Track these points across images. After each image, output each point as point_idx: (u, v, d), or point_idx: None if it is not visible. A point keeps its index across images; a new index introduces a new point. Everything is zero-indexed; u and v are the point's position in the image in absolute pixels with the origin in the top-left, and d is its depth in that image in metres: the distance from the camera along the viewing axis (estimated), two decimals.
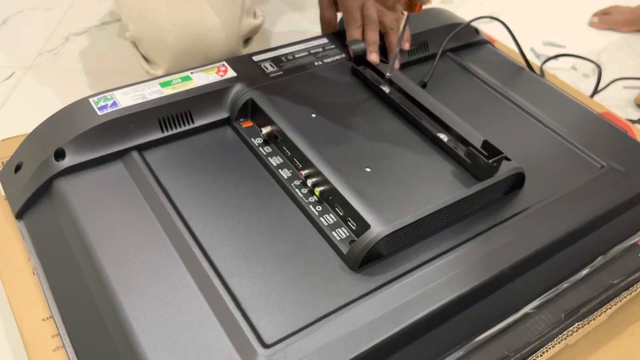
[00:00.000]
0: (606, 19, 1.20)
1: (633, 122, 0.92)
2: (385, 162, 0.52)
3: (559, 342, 0.49)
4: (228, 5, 0.69)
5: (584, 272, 0.53)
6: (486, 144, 0.52)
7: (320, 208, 0.50)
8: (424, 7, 0.59)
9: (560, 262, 0.52)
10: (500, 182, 0.52)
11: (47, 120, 0.55)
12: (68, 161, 0.51)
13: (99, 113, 0.54)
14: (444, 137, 0.55)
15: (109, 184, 0.51)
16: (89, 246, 0.46)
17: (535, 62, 1.10)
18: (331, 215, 0.50)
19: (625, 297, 0.53)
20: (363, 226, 0.47)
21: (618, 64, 1.11)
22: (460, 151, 0.53)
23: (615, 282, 0.54)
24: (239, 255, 0.47)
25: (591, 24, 1.21)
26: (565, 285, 0.52)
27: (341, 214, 0.49)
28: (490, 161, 0.50)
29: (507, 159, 0.53)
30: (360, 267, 0.46)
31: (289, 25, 1.12)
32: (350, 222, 0.49)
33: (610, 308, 0.53)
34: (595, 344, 0.53)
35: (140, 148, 0.54)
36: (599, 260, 0.54)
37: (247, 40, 0.76)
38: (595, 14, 1.22)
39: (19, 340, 0.50)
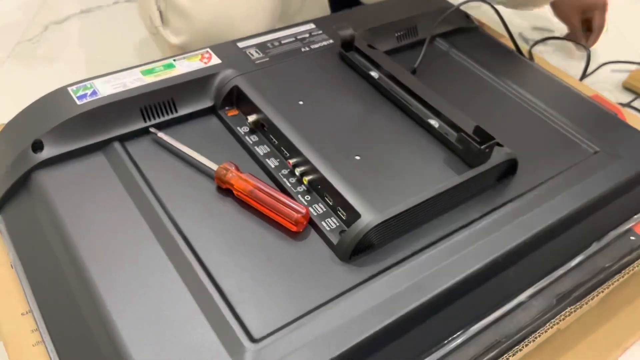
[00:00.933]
0: None
1: (623, 105, 0.91)
2: (375, 150, 0.51)
3: (551, 327, 0.48)
4: (271, 8, 0.69)
5: (578, 258, 0.53)
6: (478, 130, 0.51)
7: (309, 197, 0.49)
8: None
9: (554, 249, 0.51)
10: (493, 169, 0.50)
11: (23, 110, 0.53)
12: (46, 153, 0.50)
13: (78, 102, 0.52)
14: (434, 123, 0.54)
15: (90, 176, 0.50)
16: (69, 240, 0.45)
17: (524, 46, 1.09)
18: (320, 204, 0.49)
19: (617, 280, 0.53)
20: (353, 215, 0.46)
21: (607, 47, 1.10)
22: (452, 137, 0.52)
23: (607, 265, 0.53)
24: (225, 247, 0.45)
25: None
26: (559, 272, 0.51)
27: (331, 203, 0.48)
28: (482, 147, 0.49)
29: (500, 144, 0.52)
30: (350, 257, 0.45)
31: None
32: (340, 211, 0.47)
33: (602, 292, 0.52)
34: (588, 328, 0.53)
35: (122, 138, 0.53)
36: (594, 246, 0.54)
37: None
38: None
39: None
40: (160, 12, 0.66)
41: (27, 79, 0.93)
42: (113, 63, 0.97)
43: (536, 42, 0.94)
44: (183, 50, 0.66)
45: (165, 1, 0.65)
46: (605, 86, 1.01)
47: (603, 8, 1.01)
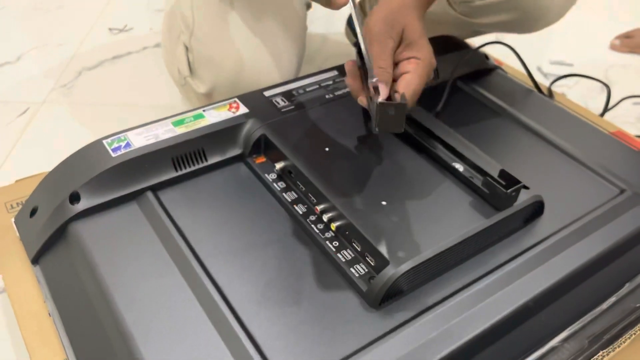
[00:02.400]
0: (628, 42, 1.19)
1: None
2: (401, 195, 0.51)
3: None
4: (296, 56, 0.70)
5: (611, 299, 0.52)
6: (503, 173, 0.51)
7: (337, 244, 0.50)
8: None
9: (584, 291, 0.51)
10: (520, 212, 0.51)
11: (61, 163, 0.55)
12: (83, 204, 0.51)
13: (113, 155, 0.54)
14: (459, 166, 0.55)
15: (124, 225, 0.51)
16: (105, 290, 0.46)
17: (544, 82, 1.10)
18: (349, 250, 0.49)
19: None
20: (382, 262, 0.46)
21: (626, 82, 1.11)
22: (477, 181, 0.53)
23: (638, 305, 0.53)
24: (256, 295, 0.46)
25: (612, 47, 1.20)
26: (591, 315, 0.51)
27: (359, 249, 0.49)
28: (508, 191, 0.49)
29: (526, 187, 0.52)
30: (380, 304, 0.45)
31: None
32: (368, 257, 0.48)
33: (634, 334, 0.52)
34: None
35: (155, 188, 0.54)
36: (626, 287, 0.53)
37: None
38: (617, 37, 1.21)
39: None
40: (189, 63, 0.69)
41: (61, 124, 0.97)
42: (145, 107, 1.00)
43: (556, 79, 0.95)
44: (210, 99, 0.69)
45: (193, 52, 0.68)
46: (627, 119, 1.01)
47: None
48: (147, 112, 0.99)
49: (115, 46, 1.20)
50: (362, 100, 0.54)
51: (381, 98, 0.50)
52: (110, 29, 1.25)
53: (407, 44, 0.56)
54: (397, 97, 0.52)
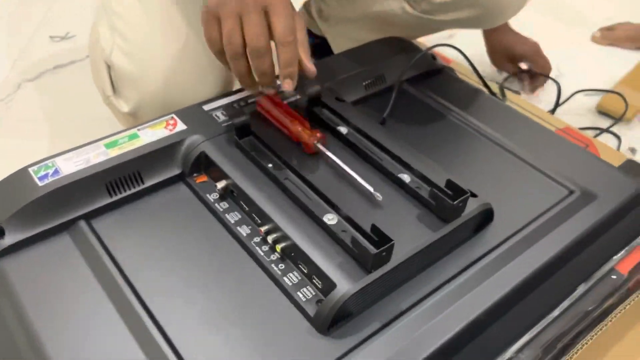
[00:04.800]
0: (608, 35, 1.20)
1: (602, 131, 0.91)
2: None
3: None
4: (223, 76, 0.68)
5: (564, 304, 0.52)
6: (450, 184, 0.50)
7: (283, 266, 0.48)
8: None
9: (538, 298, 0.50)
10: (468, 222, 0.50)
11: None
12: (8, 240, 0.48)
13: (40, 184, 0.50)
14: (406, 177, 0.53)
15: (55, 261, 0.48)
16: (34, 336, 0.43)
17: (497, 77, 1.10)
18: (295, 273, 0.47)
19: (600, 328, 0.52)
20: (329, 284, 0.44)
21: (578, 73, 1.12)
22: (424, 192, 0.51)
23: (590, 308, 0.52)
24: (200, 329, 0.43)
25: (593, 39, 1.21)
26: (545, 321, 0.50)
27: (305, 271, 0.47)
28: (455, 202, 0.48)
29: (474, 195, 0.51)
30: (329, 329, 0.44)
31: None
32: (315, 280, 0.46)
33: (587, 343, 0.51)
34: None
35: (88, 216, 0.51)
36: (580, 290, 0.52)
37: None
38: (600, 29, 1.22)
39: None
40: (112, 82, 0.66)
41: (2, 141, 0.92)
42: (89, 119, 0.96)
43: (506, 78, 0.95)
44: (135, 118, 0.66)
45: (114, 70, 0.65)
46: (580, 112, 1.01)
47: (535, 55, 1.01)
48: (92, 125, 0.94)
49: (56, 55, 1.14)
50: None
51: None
52: (51, 37, 1.19)
53: None
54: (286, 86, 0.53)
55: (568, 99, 0.98)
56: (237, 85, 0.62)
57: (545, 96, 1.03)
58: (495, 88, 0.82)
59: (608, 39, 1.19)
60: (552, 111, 0.89)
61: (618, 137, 0.92)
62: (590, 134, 0.88)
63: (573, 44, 1.22)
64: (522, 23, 1.14)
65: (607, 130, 0.91)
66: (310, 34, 1.00)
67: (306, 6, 1.01)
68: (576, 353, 0.49)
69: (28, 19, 1.24)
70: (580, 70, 1.13)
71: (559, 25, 1.27)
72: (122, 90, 0.65)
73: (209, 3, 0.52)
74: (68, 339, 0.42)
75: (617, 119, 0.94)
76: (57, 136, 0.94)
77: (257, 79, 0.55)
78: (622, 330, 0.54)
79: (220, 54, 0.55)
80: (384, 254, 0.44)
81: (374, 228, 0.45)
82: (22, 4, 1.29)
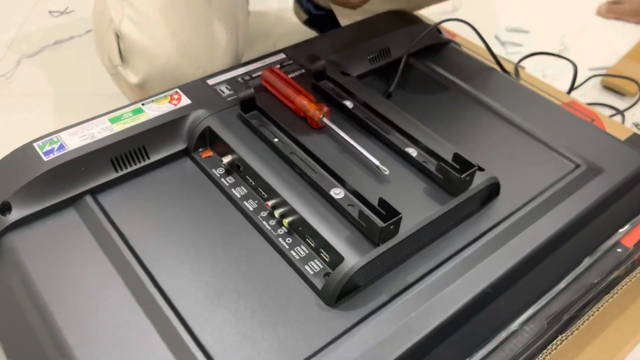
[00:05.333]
0: (614, 8, 1.18)
1: (617, 111, 0.90)
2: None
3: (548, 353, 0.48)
4: (236, 43, 0.67)
5: (569, 277, 0.52)
6: (457, 157, 0.50)
7: (291, 240, 0.48)
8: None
9: (545, 271, 0.50)
10: (475, 196, 0.50)
11: None
12: (15, 215, 0.48)
13: (45, 159, 0.50)
14: (413, 151, 0.53)
15: (62, 235, 0.48)
16: (43, 307, 0.43)
17: (501, 50, 1.09)
18: (302, 247, 0.47)
19: (607, 300, 0.52)
20: (336, 258, 0.44)
21: (583, 47, 1.11)
22: (431, 166, 0.51)
23: (596, 281, 0.53)
24: (206, 301, 0.44)
25: (598, 12, 1.19)
26: (551, 293, 0.50)
27: (313, 245, 0.47)
28: (462, 176, 0.48)
29: (481, 168, 0.51)
30: (337, 302, 0.44)
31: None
32: (322, 253, 0.46)
33: (592, 315, 0.51)
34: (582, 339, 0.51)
35: (94, 191, 0.51)
36: (585, 263, 0.53)
37: None
38: (607, 2, 1.20)
39: None
40: (120, 52, 0.65)
41: (3, 117, 0.91)
42: (90, 96, 0.95)
43: (522, 59, 0.93)
44: (143, 90, 0.65)
45: (124, 40, 0.64)
46: (585, 86, 1.00)
47: None
48: (94, 101, 0.94)
49: (56, 30, 1.13)
50: None
51: None
52: (50, 12, 1.18)
53: None
54: None
55: (582, 83, 0.96)
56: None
57: (549, 70, 1.02)
58: (510, 68, 0.80)
59: (614, 12, 1.18)
60: (568, 92, 0.87)
61: (622, 114, 0.91)
62: (596, 109, 0.87)
63: (578, 16, 1.21)
64: None
65: (621, 112, 0.90)
66: (316, 6, 0.99)
67: None
68: (582, 324, 0.50)
69: None
70: (585, 44, 1.12)
71: None
72: (132, 61, 0.64)
73: None
74: (77, 311, 0.42)
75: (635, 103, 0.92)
76: (58, 111, 0.93)
77: None
78: (626, 303, 0.54)
79: None
80: (391, 227, 0.44)
81: (382, 201, 0.45)
82: None
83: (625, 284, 0.53)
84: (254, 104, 0.55)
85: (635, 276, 0.54)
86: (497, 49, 1.07)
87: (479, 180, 0.50)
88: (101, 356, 0.40)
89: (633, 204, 0.57)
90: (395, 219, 0.44)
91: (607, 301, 0.51)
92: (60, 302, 0.43)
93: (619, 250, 0.55)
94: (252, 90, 0.55)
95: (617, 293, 0.52)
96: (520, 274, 0.49)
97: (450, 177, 0.49)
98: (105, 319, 0.42)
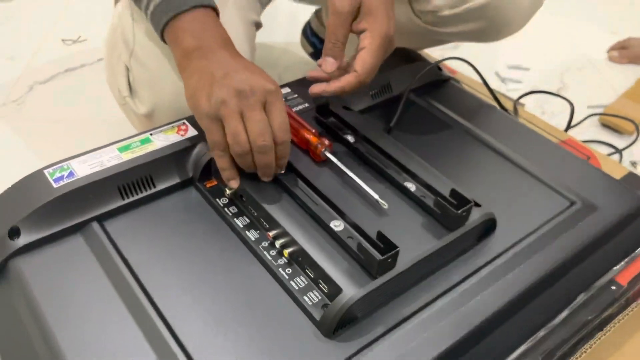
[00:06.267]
0: (626, 53, 1.20)
1: (615, 149, 0.92)
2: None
3: None
4: None
5: (564, 313, 0.53)
6: (454, 193, 0.51)
7: (290, 270, 0.49)
8: None
9: (540, 306, 0.51)
10: (472, 231, 0.51)
11: (0, 195, 0.53)
12: (23, 239, 0.49)
13: (55, 185, 0.52)
14: (411, 186, 0.54)
15: (68, 260, 0.49)
16: (48, 332, 0.44)
17: (501, 86, 1.11)
18: (302, 277, 0.48)
19: (599, 337, 0.53)
20: (335, 289, 0.45)
21: (582, 85, 1.13)
22: (429, 201, 0.53)
23: (590, 318, 0.53)
24: (207, 330, 0.45)
25: (611, 59, 1.21)
26: (546, 329, 0.51)
27: (312, 276, 0.48)
28: (459, 211, 0.49)
29: (477, 204, 0.52)
30: (334, 332, 0.45)
31: None
32: (321, 284, 0.47)
33: (586, 350, 0.52)
34: None
35: (101, 218, 0.52)
36: (579, 299, 0.54)
37: None
38: (613, 48, 1.22)
39: None
40: (129, 83, 0.67)
41: (12, 141, 0.94)
42: (99, 122, 0.97)
43: (521, 96, 0.96)
44: (150, 120, 0.67)
45: (133, 72, 0.66)
46: (584, 124, 1.02)
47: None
48: (102, 128, 0.96)
49: (68, 58, 1.16)
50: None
51: (329, 69, 0.57)
52: (63, 40, 1.21)
53: (363, 12, 0.56)
54: (351, 77, 0.56)
55: (581, 122, 0.98)
56: None
57: (547, 105, 1.04)
58: (509, 105, 0.82)
59: (627, 57, 1.20)
60: (566, 130, 0.89)
61: (620, 152, 0.93)
62: (594, 146, 0.89)
63: (577, 55, 1.23)
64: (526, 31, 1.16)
65: (619, 151, 0.92)
66: (321, 40, 1.02)
67: (317, 13, 1.02)
68: None
69: (41, 22, 1.26)
70: (584, 82, 1.14)
71: (562, 36, 1.29)
72: (139, 92, 0.66)
73: (203, 107, 0.50)
74: (80, 336, 0.43)
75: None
76: (67, 138, 0.95)
77: (259, 172, 0.53)
78: (620, 340, 0.55)
79: (224, 152, 0.52)
80: (389, 260, 0.45)
81: (380, 235, 0.46)
82: (36, 6, 1.31)
83: (619, 321, 0.54)
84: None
85: (628, 313, 0.55)
86: (497, 85, 1.10)
87: (475, 216, 0.51)
88: None
89: (627, 242, 0.58)
90: (392, 252, 0.45)
91: (600, 338, 0.52)
92: (64, 325, 0.44)
93: (613, 287, 0.56)
94: None
95: (609, 330, 0.53)
96: (516, 309, 0.50)
97: (447, 212, 0.50)
98: (107, 344, 0.43)
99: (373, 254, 0.45)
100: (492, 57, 1.19)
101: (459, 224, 0.50)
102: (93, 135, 0.94)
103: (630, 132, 0.98)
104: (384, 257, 0.45)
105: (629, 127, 0.98)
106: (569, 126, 0.88)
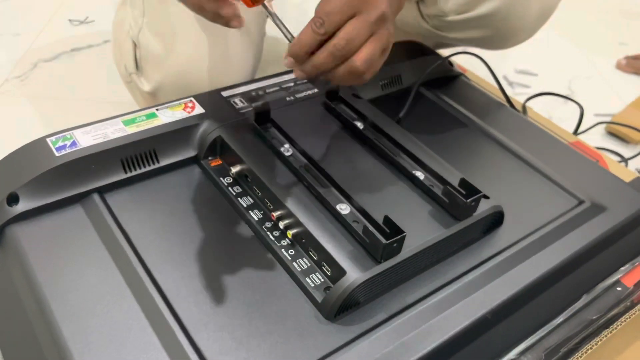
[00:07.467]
0: (633, 63, 1.20)
1: (621, 158, 0.91)
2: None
3: None
4: (251, 61, 0.68)
5: (567, 311, 0.52)
6: (463, 182, 0.50)
7: (293, 252, 0.48)
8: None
9: (543, 303, 0.50)
10: (479, 222, 0.50)
11: (0, 161, 0.52)
12: (22, 206, 0.48)
13: (57, 154, 0.50)
14: (420, 175, 0.53)
15: (67, 230, 0.48)
16: (42, 299, 0.43)
17: (508, 89, 1.11)
18: (305, 259, 0.47)
19: (605, 335, 0.52)
20: (338, 272, 0.44)
21: (589, 93, 1.12)
22: (437, 190, 0.52)
23: (595, 317, 0.52)
24: (205, 306, 0.44)
25: (618, 65, 1.21)
26: (549, 326, 0.50)
27: (315, 258, 0.47)
28: (468, 201, 0.48)
29: (486, 196, 0.51)
30: (336, 316, 0.44)
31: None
32: (324, 267, 0.46)
33: (591, 348, 0.51)
34: None
35: (102, 190, 0.51)
36: (583, 299, 0.53)
37: None
38: (626, 57, 1.22)
39: None
40: (136, 60, 0.66)
41: (14, 116, 0.92)
42: (102, 102, 0.96)
43: (530, 98, 0.95)
44: (155, 98, 0.66)
45: (141, 49, 0.65)
46: (590, 131, 1.02)
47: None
48: (104, 108, 0.95)
49: (74, 38, 1.15)
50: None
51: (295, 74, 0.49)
52: (70, 20, 1.20)
53: None
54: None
55: (588, 129, 0.97)
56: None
57: (554, 111, 1.03)
58: (517, 105, 0.81)
59: (633, 67, 1.20)
60: (574, 133, 0.88)
61: (626, 161, 0.92)
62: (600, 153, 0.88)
63: (585, 63, 1.23)
64: (536, 37, 1.15)
65: (625, 160, 0.91)
66: None
67: None
68: (579, 358, 0.49)
69: (48, 1, 1.25)
70: (592, 90, 1.14)
71: (572, 44, 1.28)
72: (146, 69, 0.65)
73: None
74: (76, 306, 0.42)
75: None
76: (69, 115, 0.94)
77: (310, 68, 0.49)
78: (625, 341, 0.54)
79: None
80: (394, 245, 0.44)
81: (387, 219, 0.45)
82: None
83: (624, 321, 0.53)
84: (269, 117, 0.56)
85: (634, 314, 0.54)
86: (505, 89, 1.09)
87: (483, 207, 0.50)
88: (96, 353, 0.40)
89: (634, 244, 0.57)
90: (398, 237, 0.44)
91: (605, 336, 0.51)
92: (60, 296, 0.43)
93: (619, 288, 0.55)
94: (267, 102, 0.56)
95: (615, 329, 0.52)
96: (520, 303, 0.49)
97: (456, 201, 0.49)
98: (103, 316, 0.42)
99: (378, 238, 0.44)
100: (500, 60, 1.18)
101: (467, 214, 0.49)
102: (96, 115, 0.93)
103: (637, 141, 0.98)
104: (389, 241, 0.44)
105: (635, 136, 0.97)
106: (577, 128, 0.87)
